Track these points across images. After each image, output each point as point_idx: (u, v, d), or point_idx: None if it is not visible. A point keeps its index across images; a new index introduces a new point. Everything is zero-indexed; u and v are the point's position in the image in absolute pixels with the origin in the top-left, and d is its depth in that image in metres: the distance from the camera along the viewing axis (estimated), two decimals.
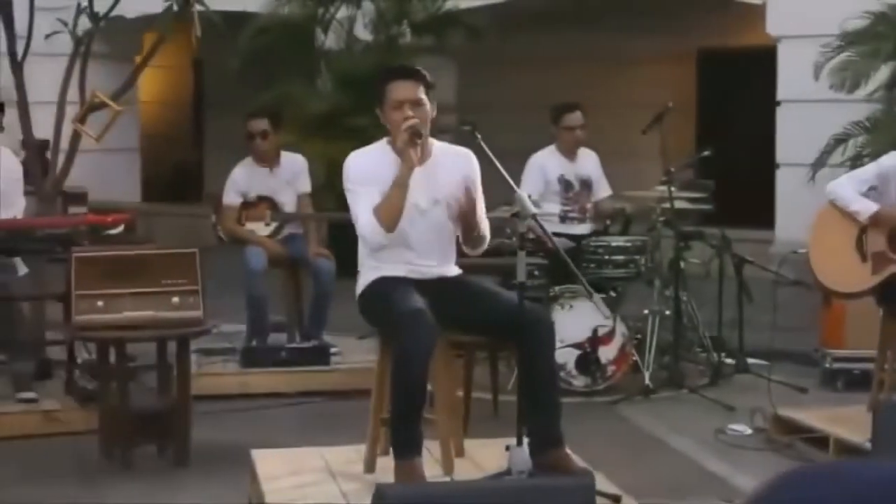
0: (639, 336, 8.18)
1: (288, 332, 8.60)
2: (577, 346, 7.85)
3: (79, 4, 8.56)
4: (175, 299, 6.41)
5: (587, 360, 7.85)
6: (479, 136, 5.37)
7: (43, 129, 14.76)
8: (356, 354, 8.20)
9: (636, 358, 8.02)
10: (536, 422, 5.23)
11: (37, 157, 8.45)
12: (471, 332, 5.95)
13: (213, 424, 7.17)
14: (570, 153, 8.75)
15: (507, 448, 5.08)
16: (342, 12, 13.00)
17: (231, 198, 8.58)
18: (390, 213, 5.24)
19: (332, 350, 8.23)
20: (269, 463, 5.56)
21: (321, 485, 5.29)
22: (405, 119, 5.29)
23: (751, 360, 8.42)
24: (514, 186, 5.22)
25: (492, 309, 5.31)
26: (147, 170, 18.33)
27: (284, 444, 6.21)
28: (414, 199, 5.33)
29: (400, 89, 5.38)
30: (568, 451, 5.31)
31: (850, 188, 6.56)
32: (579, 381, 7.87)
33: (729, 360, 8.47)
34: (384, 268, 5.37)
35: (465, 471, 5.34)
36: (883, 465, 1.22)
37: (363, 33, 13.10)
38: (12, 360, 7.40)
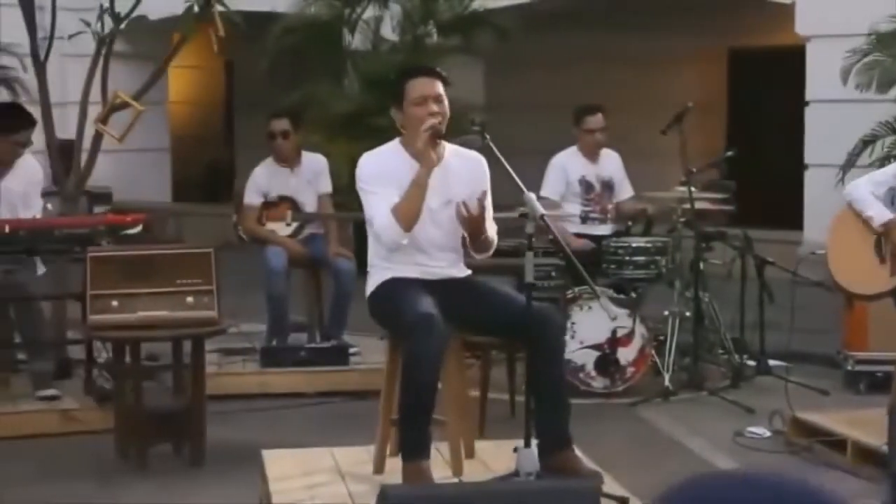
0: (661, 337, 8.14)
1: (308, 332, 8.61)
2: (596, 347, 7.81)
3: (101, 5, 8.59)
4: (190, 299, 6.42)
5: (606, 361, 7.81)
6: (487, 136, 5.36)
7: (73, 130, 14.79)
8: (376, 354, 8.16)
9: (656, 359, 7.98)
10: (545, 423, 5.22)
11: (60, 157, 8.48)
12: (480, 333, 5.92)
13: (231, 424, 7.19)
14: (591, 154, 8.73)
15: (515, 450, 5.07)
16: (369, 13, 13.00)
17: (252, 197, 8.60)
18: (409, 212, 5.23)
19: (352, 350, 8.24)
20: (279, 463, 5.56)
21: (329, 485, 5.28)
22: (430, 114, 5.28)
23: (773, 362, 8.36)
24: (523, 187, 5.20)
25: (500, 310, 5.29)
26: (179, 170, 18.41)
27: (301, 443, 6.20)
28: (426, 201, 5.32)
29: (422, 85, 5.36)
30: (577, 452, 5.29)
31: (866, 190, 6.49)
32: (598, 383, 7.84)
33: (751, 362, 8.42)
34: (394, 268, 5.36)
35: (475, 472, 5.32)
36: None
37: (390, 34, 13.09)
38: (32, 358, 7.45)
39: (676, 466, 6.53)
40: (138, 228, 7.19)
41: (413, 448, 5.11)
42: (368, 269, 5.48)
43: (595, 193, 8.75)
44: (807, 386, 7.88)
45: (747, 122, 15.72)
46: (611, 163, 8.84)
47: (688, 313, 8.08)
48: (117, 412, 6.59)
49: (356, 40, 13.14)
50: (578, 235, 8.58)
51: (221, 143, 20.28)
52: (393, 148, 5.45)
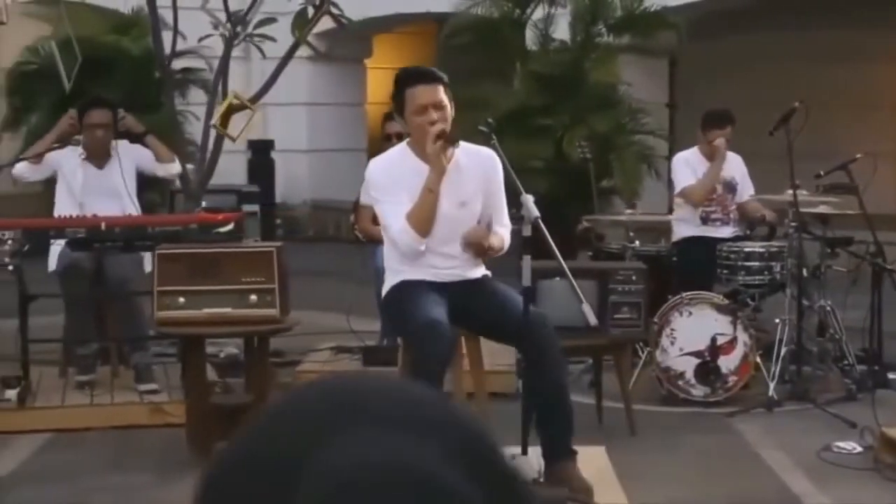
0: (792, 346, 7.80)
1: None
2: (695, 354, 7.56)
3: (226, 9, 8.74)
4: (253, 297, 6.51)
5: (706, 369, 7.55)
6: (494, 137, 5.28)
7: (272, 130, 15.22)
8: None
9: (763, 369, 7.67)
10: (545, 432, 5.10)
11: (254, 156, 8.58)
12: (486, 336, 5.81)
13: None
14: (712, 157, 8.52)
15: (512, 458, 4.96)
16: (539, 13, 12.91)
17: (367, 198, 8.63)
18: (423, 218, 5.21)
19: None
20: None
21: None
22: (431, 123, 5.24)
23: (893, 375, 7.95)
24: (521, 188, 5.10)
25: (499, 314, 5.21)
26: None
27: None
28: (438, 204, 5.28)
29: (421, 94, 5.32)
30: (578, 465, 5.14)
31: None
32: (697, 391, 7.58)
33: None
34: (406, 271, 5.34)
35: None
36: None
37: (562, 32, 12.96)
38: (132, 353, 7.68)
39: (740, 481, 6.29)
40: (230, 227, 7.33)
41: None
42: (385, 273, 5.46)
43: (717, 194, 8.51)
44: None
45: None
46: (733, 163, 8.61)
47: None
48: (188, 407, 6.73)
49: (527, 39, 13.07)
50: (697, 238, 8.37)
51: None
52: (401, 152, 5.42)
